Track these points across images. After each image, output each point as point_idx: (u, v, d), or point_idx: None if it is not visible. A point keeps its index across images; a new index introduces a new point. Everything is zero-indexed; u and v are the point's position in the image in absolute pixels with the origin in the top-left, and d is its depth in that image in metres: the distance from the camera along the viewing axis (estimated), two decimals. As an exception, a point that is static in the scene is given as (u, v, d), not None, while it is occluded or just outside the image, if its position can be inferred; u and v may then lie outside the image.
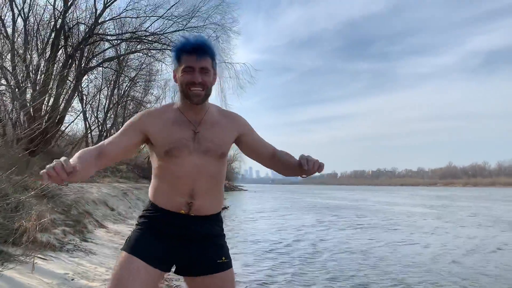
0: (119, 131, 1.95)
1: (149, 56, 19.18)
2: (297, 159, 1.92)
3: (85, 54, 16.27)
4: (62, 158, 1.52)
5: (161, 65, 21.28)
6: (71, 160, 1.60)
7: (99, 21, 15.39)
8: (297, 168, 1.92)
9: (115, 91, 22.98)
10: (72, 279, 4.15)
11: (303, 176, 1.92)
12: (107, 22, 16.26)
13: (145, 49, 18.20)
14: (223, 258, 1.96)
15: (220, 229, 2.04)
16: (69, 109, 16.61)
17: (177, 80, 1.93)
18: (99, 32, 16.18)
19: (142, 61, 22.06)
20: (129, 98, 24.63)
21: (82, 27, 15.70)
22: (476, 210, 23.22)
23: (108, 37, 16.70)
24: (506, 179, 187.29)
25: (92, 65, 17.06)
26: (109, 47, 17.98)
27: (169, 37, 16.41)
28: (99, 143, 1.88)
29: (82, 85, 19.35)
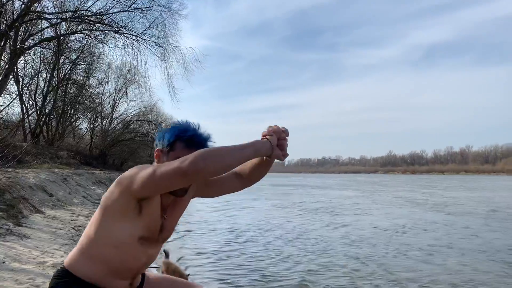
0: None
1: (92, 37, 18.37)
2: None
3: (21, 33, 15.31)
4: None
5: (104, 48, 20.51)
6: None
7: (36, -2, 14.49)
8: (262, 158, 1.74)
9: (55, 73, 21.84)
10: (3, 262, 3.92)
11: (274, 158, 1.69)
12: (45, -1, 15.36)
13: (87, 29, 17.38)
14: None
15: None
16: (4, 91, 15.62)
17: (160, 162, 1.67)
18: (37, 10, 15.25)
19: (84, 42, 21.15)
20: (70, 82, 23.53)
21: (17, 4, 14.73)
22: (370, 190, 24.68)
23: (47, 16, 15.76)
24: (441, 166, 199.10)
25: (29, 44, 16.08)
26: (48, 26, 16.98)
27: (113, 18, 15.80)
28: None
29: (18, 67, 18.24)
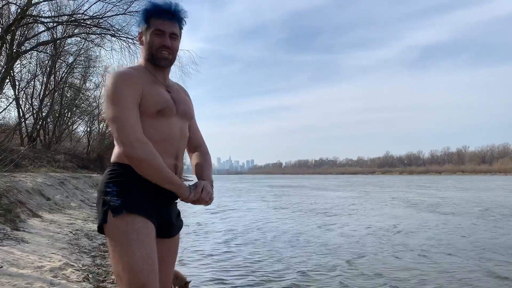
0: (122, 107, 1.74)
1: (88, 41, 18.46)
2: (199, 178, 1.99)
3: (17, 37, 15.37)
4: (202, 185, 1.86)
5: (101, 51, 20.57)
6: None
7: (32, 2, 14.54)
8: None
9: (52, 77, 21.87)
10: (1, 267, 4.00)
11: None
12: (42, 3, 15.42)
13: (84, 33, 17.49)
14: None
15: None
16: (0, 95, 15.67)
17: (144, 42, 1.92)
18: (33, 13, 15.31)
19: (81, 46, 21.21)
20: (67, 85, 23.57)
21: (13, 8, 14.78)
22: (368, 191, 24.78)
23: (43, 19, 15.81)
24: (437, 167, 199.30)
25: (25, 48, 16.13)
26: (44, 30, 17.08)
27: (109, 21, 15.86)
28: (137, 137, 1.71)
29: (15, 71, 18.27)
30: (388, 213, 14.48)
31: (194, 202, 1.83)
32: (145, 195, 1.78)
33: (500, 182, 56.76)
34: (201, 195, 1.82)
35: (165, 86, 1.93)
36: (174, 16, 1.87)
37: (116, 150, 1.84)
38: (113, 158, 1.86)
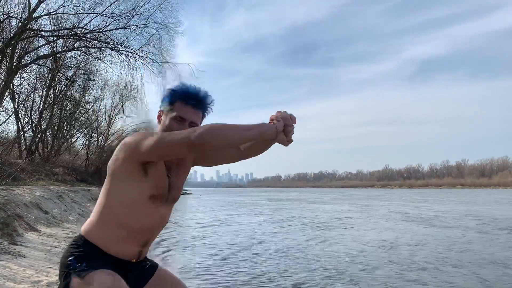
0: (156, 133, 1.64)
1: (88, 54, 18.59)
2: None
3: (17, 51, 15.45)
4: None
5: (100, 64, 20.64)
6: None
7: (33, 16, 14.67)
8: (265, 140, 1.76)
9: (51, 90, 21.92)
10: (-2, 282, 3.94)
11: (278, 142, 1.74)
12: (43, 17, 15.55)
13: (84, 47, 17.61)
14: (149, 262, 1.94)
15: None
16: (0, 108, 15.70)
17: (162, 123, 1.79)
18: (33, 27, 15.42)
19: (80, 59, 21.32)
20: (66, 98, 23.60)
21: (14, 22, 14.90)
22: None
23: (43, 33, 15.94)
24: (437, 180, 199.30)
25: (26, 62, 16.21)
26: (44, 44, 17.20)
27: (109, 35, 15.98)
28: (189, 131, 1.56)
29: (14, 84, 18.32)
30: (382, 227, 14.34)
31: (285, 129, 1.68)
32: (106, 264, 1.67)
33: (499, 195, 56.68)
34: (283, 119, 1.68)
35: (168, 170, 1.79)
36: (200, 104, 1.78)
37: (89, 220, 1.77)
38: (82, 230, 1.78)
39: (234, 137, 1.58)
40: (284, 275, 6.59)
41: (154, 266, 1.95)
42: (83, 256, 1.66)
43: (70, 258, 1.66)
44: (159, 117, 1.82)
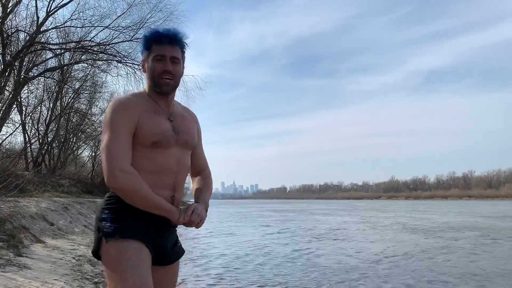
0: (113, 136, 1.74)
1: (95, 67, 18.72)
2: (196, 201, 1.99)
3: (25, 63, 15.61)
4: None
5: (107, 77, 20.82)
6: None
7: (41, 30, 14.84)
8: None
9: (58, 102, 22.09)
10: (3, 294, 3.94)
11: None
12: (50, 30, 15.71)
13: (90, 59, 17.75)
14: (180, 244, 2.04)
15: None
16: (7, 120, 15.81)
17: (146, 69, 1.91)
18: (41, 40, 15.59)
19: (87, 72, 21.49)
20: (73, 110, 23.77)
21: (22, 35, 15.07)
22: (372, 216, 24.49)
23: (51, 46, 16.09)
24: (443, 192, 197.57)
25: (33, 74, 16.36)
26: (52, 57, 17.35)
27: (116, 48, 16.12)
28: (120, 168, 1.70)
29: (22, 96, 18.48)
30: (383, 238, 14.27)
31: (185, 224, 1.83)
32: (140, 222, 1.78)
33: (506, 207, 56.07)
34: (191, 218, 1.82)
35: (168, 114, 1.91)
36: (174, 40, 1.88)
37: None
38: None
39: (140, 206, 1.75)
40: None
41: (181, 252, 2.04)
42: (117, 210, 1.78)
43: (105, 212, 1.80)
44: (143, 66, 1.94)
